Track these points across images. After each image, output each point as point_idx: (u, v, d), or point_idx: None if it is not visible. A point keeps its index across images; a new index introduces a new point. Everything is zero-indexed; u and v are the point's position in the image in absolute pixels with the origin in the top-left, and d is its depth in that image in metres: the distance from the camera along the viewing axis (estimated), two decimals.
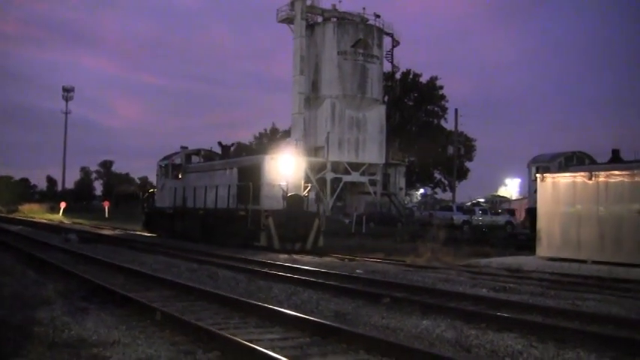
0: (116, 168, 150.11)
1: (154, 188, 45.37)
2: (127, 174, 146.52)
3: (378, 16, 73.32)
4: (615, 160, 38.47)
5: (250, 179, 31.17)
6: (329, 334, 10.07)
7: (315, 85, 69.70)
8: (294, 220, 29.82)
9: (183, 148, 41.85)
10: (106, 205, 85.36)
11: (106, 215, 78.91)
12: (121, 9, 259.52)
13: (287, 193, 30.26)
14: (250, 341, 9.40)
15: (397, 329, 11.13)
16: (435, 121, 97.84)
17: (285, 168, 31.42)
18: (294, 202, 30.25)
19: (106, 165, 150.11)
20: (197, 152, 41.05)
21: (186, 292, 14.76)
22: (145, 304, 12.45)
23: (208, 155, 40.56)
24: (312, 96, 69.34)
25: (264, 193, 30.73)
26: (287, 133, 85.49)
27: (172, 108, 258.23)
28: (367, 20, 72.53)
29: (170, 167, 40.21)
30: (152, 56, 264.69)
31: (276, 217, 29.55)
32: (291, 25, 69.90)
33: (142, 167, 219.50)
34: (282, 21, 71.36)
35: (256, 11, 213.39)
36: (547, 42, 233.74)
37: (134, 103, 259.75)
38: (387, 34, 74.66)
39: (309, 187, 32.17)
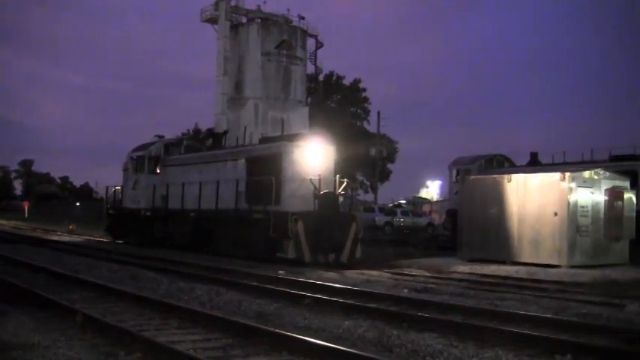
0: (36, 167, 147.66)
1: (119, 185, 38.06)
2: (48, 173, 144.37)
3: (302, 18, 73.37)
4: (534, 163, 39.17)
5: (266, 172, 25.05)
6: (251, 335, 10.07)
7: (238, 86, 69.37)
8: (329, 225, 24.06)
9: (160, 137, 36.24)
10: (26, 205, 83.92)
11: (26, 215, 77.52)
12: (43, 6, 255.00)
13: (319, 191, 24.46)
14: (172, 342, 9.37)
15: (319, 329, 11.18)
16: (358, 123, 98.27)
17: (314, 158, 25.32)
18: (327, 202, 24.47)
19: (26, 164, 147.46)
20: (179, 142, 35.49)
21: (108, 294, 14.62)
22: (66, 305, 12.31)
23: (192, 145, 35.31)
24: (236, 97, 69.02)
25: (287, 190, 24.80)
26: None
27: (95, 107, 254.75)
28: (291, 22, 72.51)
29: (146, 160, 33.82)
30: (75, 54, 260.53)
31: (306, 222, 23.63)
32: (215, 26, 69.46)
33: (64, 167, 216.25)
34: (206, 21, 70.81)
35: (180, 10, 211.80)
36: (471, 44, 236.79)
37: (56, 101, 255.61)
38: (311, 35, 74.73)
39: (344, 183, 25.86)
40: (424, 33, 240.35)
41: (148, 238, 32.96)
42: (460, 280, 19.50)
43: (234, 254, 25.75)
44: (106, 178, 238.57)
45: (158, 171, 33.55)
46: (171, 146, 34.56)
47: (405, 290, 16.66)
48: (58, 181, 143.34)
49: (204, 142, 36.35)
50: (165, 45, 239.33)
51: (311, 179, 24.34)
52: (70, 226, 54.23)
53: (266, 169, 25.31)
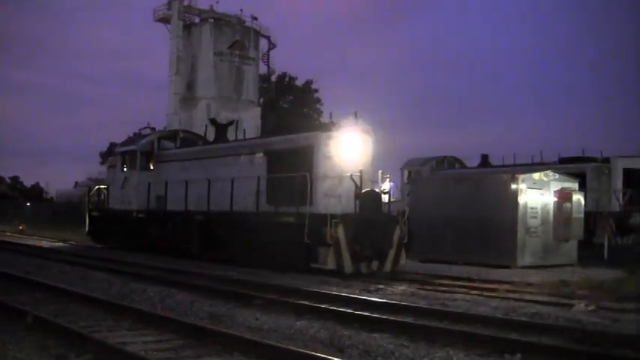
0: None
1: (100, 184, 35.13)
2: None
3: (255, 18, 73.25)
4: (484, 165, 39.63)
5: (293, 168, 21.75)
6: (203, 336, 10.06)
7: (190, 86, 69.11)
8: (371, 228, 20.89)
9: (151, 129, 33.18)
10: None
11: None
12: None
13: (361, 189, 21.26)
14: (123, 344, 9.33)
15: (271, 330, 11.19)
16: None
17: (351, 151, 21.87)
18: (369, 202, 21.27)
19: None
20: (173, 135, 31.59)
21: (59, 295, 14.51)
22: (16, 307, 12.17)
23: (189, 139, 31.27)
24: (188, 97, 68.78)
25: (321, 189, 21.38)
26: None
27: (45, 106, 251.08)
28: (244, 22, 72.40)
29: (138, 155, 30.12)
30: (24, 52, 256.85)
31: (347, 226, 20.37)
32: (168, 25, 69.20)
33: (13, 167, 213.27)
34: (159, 20, 70.50)
35: (133, 9, 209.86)
36: (425, 45, 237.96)
37: (4, 100, 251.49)
38: (264, 36, 74.68)
39: (387, 179, 23.04)
40: (379, 34, 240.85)
41: (140, 242, 29.75)
42: (411, 281, 19.60)
43: (256, 264, 22.39)
44: (57, 178, 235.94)
45: (152, 167, 30.16)
46: (164, 139, 31.12)
47: (357, 291, 16.73)
48: (8, 180, 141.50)
49: (201, 136, 32.44)
50: (116, 43, 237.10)
51: (352, 176, 21.03)
52: (20, 227, 53.64)
53: (293, 164, 21.97)
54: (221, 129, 30.29)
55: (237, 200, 24.16)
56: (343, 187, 21.40)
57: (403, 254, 21.78)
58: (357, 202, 21.08)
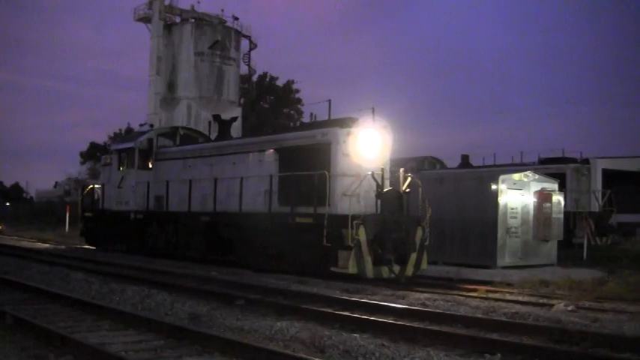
0: None
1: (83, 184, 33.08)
2: None
3: (236, 19, 73.25)
4: (465, 165, 39.72)
5: (307, 166, 20.51)
6: (183, 337, 10.03)
7: (171, 86, 68.99)
8: (393, 230, 19.50)
9: (150, 125, 31.29)
10: None
11: None
12: None
13: (382, 189, 20.09)
14: (103, 344, 9.29)
15: (252, 330, 11.17)
16: (292, 124, 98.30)
17: (370, 149, 20.69)
18: (391, 202, 20.03)
19: None
20: (173, 132, 30.11)
21: (39, 295, 14.44)
22: None
23: (189, 136, 30.09)
24: (169, 97, 68.64)
25: (339, 188, 19.96)
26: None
27: (25, 106, 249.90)
28: (225, 22, 72.36)
29: (136, 153, 28.56)
30: (4, 52, 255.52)
31: (368, 228, 18.98)
32: (149, 25, 69.08)
33: None
34: (140, 20, 70.35)
35: (113, 8, 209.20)
36: (409, 44, 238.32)
37: None
38: (245, 36, 74.67)
39: (409, 180, 20.49)
40: (360, 34, 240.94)
41: (139, 245, 28.50)
42: (390, 281, 19.59)
43: (268, 268, 21.36)
44: (37, 178, 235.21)
45: (150, 166, 28.62)
46: (163, 137, 29.57)
47: (337, 291, 16.73)
48: None
49: (202, 133, 31.10)
50: (97, 43, 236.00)
51: (373, 174, 19.65)
52: None
53: (307, 162, 20.71)
54: (224, 125, 28.88)
55: (246, 200, 22.99)
56: (362, 187, 20.03)
57: (425, 257, 20.45)
58: (379, 201, 20.05)
